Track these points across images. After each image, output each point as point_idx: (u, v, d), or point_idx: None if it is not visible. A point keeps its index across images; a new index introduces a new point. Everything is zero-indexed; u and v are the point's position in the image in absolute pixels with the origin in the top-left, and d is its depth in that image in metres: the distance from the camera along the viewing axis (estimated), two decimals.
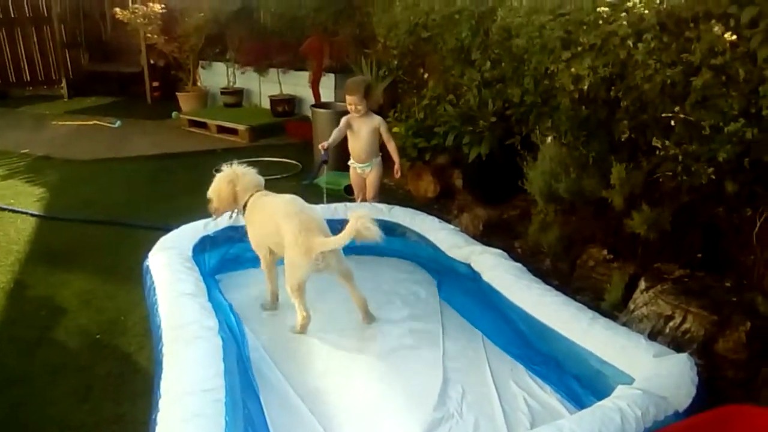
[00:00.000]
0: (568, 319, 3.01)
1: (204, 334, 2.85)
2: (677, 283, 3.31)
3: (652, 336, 3.13)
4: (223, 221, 4.17)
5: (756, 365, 2.89)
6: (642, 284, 3.38)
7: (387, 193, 5.74)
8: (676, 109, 3.18)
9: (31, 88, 11.84)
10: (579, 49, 3.74)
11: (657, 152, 3.37)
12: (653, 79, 3.32)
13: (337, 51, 8.14)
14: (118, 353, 3.36)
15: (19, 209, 5.47)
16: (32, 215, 5.36)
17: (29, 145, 7.76)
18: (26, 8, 11.64)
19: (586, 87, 3.65)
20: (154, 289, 3.35)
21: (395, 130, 5.72)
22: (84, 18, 11.84)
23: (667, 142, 3.26)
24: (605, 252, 3.85)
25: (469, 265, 3.78)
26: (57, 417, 2.87)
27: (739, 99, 2.94)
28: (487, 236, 4.62)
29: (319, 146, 4.77)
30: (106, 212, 5.43)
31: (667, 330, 3.12)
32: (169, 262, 3.60)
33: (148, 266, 3.63)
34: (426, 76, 6.32)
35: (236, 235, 4.18)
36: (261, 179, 3.74)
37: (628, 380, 2.61)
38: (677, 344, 3.03)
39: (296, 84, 8.49)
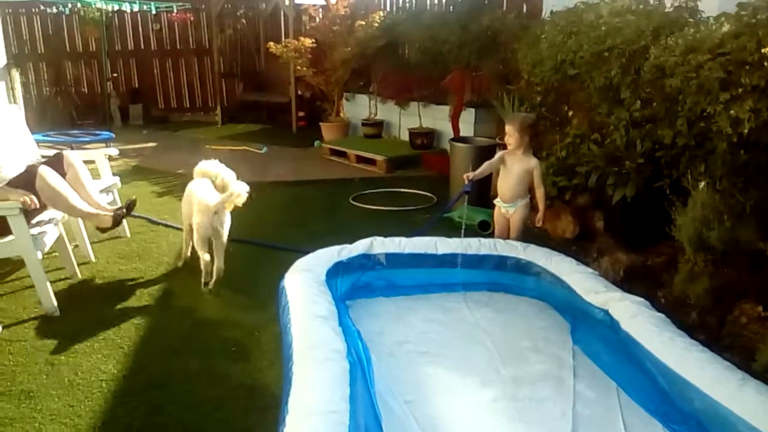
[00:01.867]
0: (715, 378, 2.78)
1: (333, 357, 2.89)
2: None
3: None
4: (357, 248, 4.27)
5: None
6: None
7: (523, 232, 5.63)
8: None
9: (189, 113, 12.80)
10: (740, 90, 3.50)
11: None
12: None
13: (478, 86, 8.17)
14: (250, 367, 3.47)
15: (172, 224, 5.86)
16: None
17: (185, 166, 8.27)
18: (190, 41, 12.66)
19: (746, 131, 3.41)
20: (288, 309, 3.45)
21: None
22: (241, 51, 12.73)
23: None
24: (760, 309, 3.55)
25: (607, 312, 3.59)
26: (191, 423, 3.00)
27: None
28: (627, 283, 4.39)
29: (464, 176, 4.71)
30: (247, 232, 5.67)
31: None
32: (303, 284, 3.71)
33: (283, 286, 3.75)
34: (570, 113, 6.17)
35: (368, 262, 4.25)
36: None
37: None
38: None
39: (435, 118, 8.58)
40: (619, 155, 4.53)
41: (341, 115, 10.29)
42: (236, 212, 5.91)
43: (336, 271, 4.11)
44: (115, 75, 12.42)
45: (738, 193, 3.57)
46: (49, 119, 11.56)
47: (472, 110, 7.87)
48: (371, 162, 8.29)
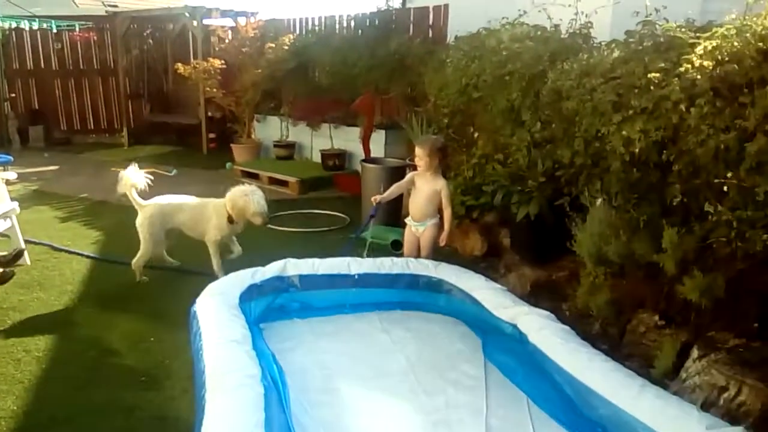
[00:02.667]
0: (617, 386, 2.93)
1: (247, 383, 2.86)
2: (732, 353, 3.20)
3: (705, 407, 3.00)
4: (270, 271, 4.25)
5: None
6: (695, 353, 3.28)
7: (434, 250, 5.74)
8: (729, 174, 3.12)
9: (93, 135, 12.36)
10: (630, 112, 3.73)
11: (710, 217, 3.30)
12: (706, 143, 3.28)
13: (388, 108, 8.31)
14: (162, 397, 3.39)
15: (75, 250, 5.64)
16: (87, 257, 5.52)
17: (88, 190, 8.06)
18: (95, 61, 12.25)
19: (637, 150, 3.63)
20: (200, 334, 3.39)
21: None
22: (147, 71, 12.41)
23: (720, 208, 3.19)
24: (657, 318, 3.75)
25: (515, 326, 3.72)
26: None
27: None
28: (534, 297, 4.56)
29: (372, 199, 4.82)
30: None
31: (721, 402, 3.01)
32: (216, 309, 3.65)
33: (195, 311, 3.68)
34: (476, 135, 6.36)
35: (282, 285, 4.23)
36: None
37: None
38: (732, 417, 2.92)
39: (347, 139, 8.66)
40: (522, 174, 4.72)
41: (252, 136, 10.21)
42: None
43: (249, 294, 4.06)
44: (13, 95, 11.82)
45: (632, 208, 3.78)
46: None
47: (383, 132, 7.99)
48: (284, 183, 8.26)
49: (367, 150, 7.79)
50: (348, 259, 4.42)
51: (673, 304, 3.69)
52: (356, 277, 4.32)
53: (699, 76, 3.34)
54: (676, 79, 3.45)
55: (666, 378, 3.41)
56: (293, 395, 3.28)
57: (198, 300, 3.81)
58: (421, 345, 3.89)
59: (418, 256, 4.86)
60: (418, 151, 4.73)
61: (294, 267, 4.30)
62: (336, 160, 8.51)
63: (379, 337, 3.99)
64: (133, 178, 5.03)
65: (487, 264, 5.37)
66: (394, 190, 4.87)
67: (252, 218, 4.98)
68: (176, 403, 3.32)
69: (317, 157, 8.88)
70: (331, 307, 4.29)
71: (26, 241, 5.71)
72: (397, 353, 3.78)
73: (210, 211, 5.07)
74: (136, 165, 5.17)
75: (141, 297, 4.66)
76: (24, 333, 4.11)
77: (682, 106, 3.42)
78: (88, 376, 3.59)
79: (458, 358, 3.75)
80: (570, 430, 3.04)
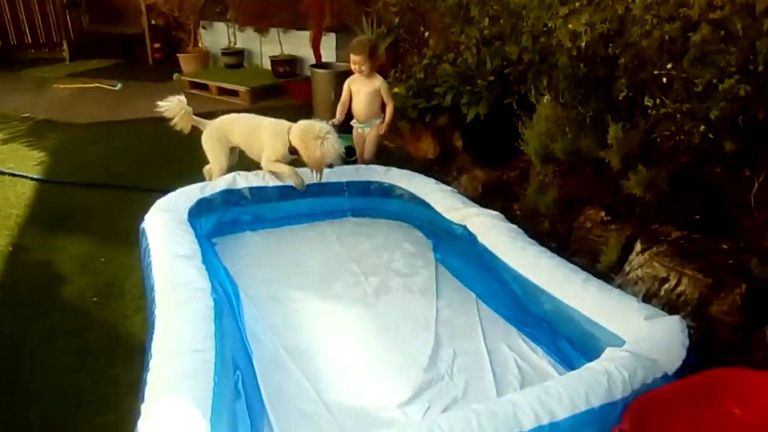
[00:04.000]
0: (561, 281, 3.00)
1: (197, 296, 2.84)
2: (673, 245, 3.28)
3: (647, 298, 3.11)
4: (219, 184, 4.18)
5: (751, 328, 2.88)
6: (638, 246, 3.35)
7: (387, 155, 5.69)
8: (669, 66, 3.10)
9: (33, 51, 11.72)
10: (577, 4, 3.65)
11: (651, 111, 3.29)
12: (651, 35, 3.24)
13: (338, 9, 8.00)
14: (114, 316, 3.38)
15: (19, 173, 5.46)
16: (32, 179, 5.36)
17: (31, 109, 7.73)
18: None
19: (583, 44, 3.57)
20: (149, 251, 3.35)
21: (395, 90, 5.64)
22: None
23: (659, 101, 3.18)
24: (603, 214, 3.81)
25: (465, 227, 3.75)
26: (52, 380, 2.91)
27: (738, 55, 2.87)
28: (486, 198, 4.59)
29: (329, 122, 4.72)
30: (106, 175, 5.41)
31: (662, 292, 3.10)
32: (164, 225, 3.59)
33: (143, 229, 3.63)
34: (426, 34, 6.20)
35: (233, 198, 4.18)
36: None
37: (619, 342, 2.59)
38: (672, 307, 3.02)
39: (297, 44, 8.37)
40: (471, 74, 4.63)
41: (200, 45, 9.80)
42: (90, 155, 5.64)
43: (199, 209, 4.01)
44: None
45: (579, 105, 3.75)
46: None
47: (333, 35, 7.74)
48: (234, 93, 8.03)
49: (317, 55, 7.56)
50: (298, 169, 4.34)
51: (619, 199, 3.74)
52: (307, 187, 4.28)
53: None
54: None
55: (612, 272, 3.50)
56: (246, 306, 3.31)
57: (146, 217, 3.75)
58: (372, 250, 3.93)
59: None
60: (353, 57, 4.63)
61: (244, 179, 4.23)
62: (287, 66, 8.26)
63: (331, 245, 4.01)
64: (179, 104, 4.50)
65: (440, 167, 5.35)
66: (340, 109, 4.82)
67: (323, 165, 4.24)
68: (129, 322, 3.32)
69: (268, 64, 8.61)
70: (283, 219, 4.27)
71: None
72: (348, 259, 3.81)
73: (261, 131, 4.35)
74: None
75: (90, 218, 4.57)
76: None
77: None
78: (38, 300, 3.54)
79: (409, 262, 3.79)
80: (517, 326, 3.14)
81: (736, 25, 2.86)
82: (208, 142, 4.41)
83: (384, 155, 5.54)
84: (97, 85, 9.04)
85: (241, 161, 4.54)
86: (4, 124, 7.16)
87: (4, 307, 3.51)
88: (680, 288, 3.05)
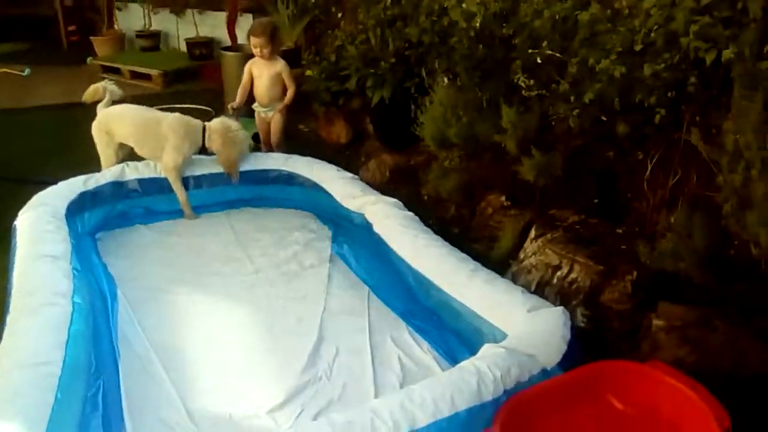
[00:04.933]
0: (448, 271, 2.89)
1: (53, 301, 2.62)
2: (568, 231, 3.20)
3: (541, 287, 3.03)
4: (105, 177, 3.93)
5: (642, 316, 2.81)
6: (532, 233, 3.26)
7: (299, 139, 5.51)
8: (544, 44, 3.01)
9: None
10: None
11: (544, 93, 3.18)
12: (542, 15, 3.13)
13: None
14: None
15: None
16: None
17: None
18: None
19: (478, 24, 3.44)
20: (15, 251, 3.11)
21: (308, 73, 5.45)
22: None
23: (554, 85, 3.08)
24: (503, 199, 3.71)
25: (363, 216, 3.61)
26: None
27: (624, 35, 2.78)
28: (393, 183, 4.46)
29: (228, 107, 4.54)
30: (5, 167, 5.06)
31: (555, 280, 3.02)
32: (35, 222, 3.35)
33: (14, 226, 3.38)
34: (339, 15, 6.00)
35: (120, 190, 3.93)
36: None
37: (502, 337, 2.50)
38: (564, 295, 2.94)
39: (214, 26, 8.04)
40: (374, 56, 4.47)
41: (115, 27, 9.38)
42: None
43: (82, 203, 3.76)
44: None
45: (476, 87, 3.63)
46: None
47: (250, 16, 7.44)
48: (147, 77, 7.69)
49: (233, 36, 7.26)
50: (194, 157, 4.12)
51: (519, 184, 3.64)
52: (202, 177, 4.07)
53: None
54: None
55: (510, 258, 3.41)
56: (122, 305, 3.10)
57: (20, 213, 3.49)
58: (266, 242, 3.76)
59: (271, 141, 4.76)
60: (253, 40, 4.51)
61: (133, 170, 3.99)
62: (202, 49, 7.94)
63: (224, 236, 3.83)
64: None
65: (351, 152, 5.20)
66: (241, 92, 4.69)
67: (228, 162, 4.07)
68: None
69: (184, 47, 8.28)
70: (178, 211, 4.04)
71: None
72: (239, 251, 3.65)
73: (165, 128, 3.98)
74: None
75: None
76: None
77: None
78: None
79: (304, 254, 3.64)
80: (406, 319, 3.01)
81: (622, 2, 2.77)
82: (96, 134, 4.14)
83: (296, 139, 5.37)
84: (4, 70, 8.54)
85: None
86: None
87: None
88: (572, 275, 2.97)
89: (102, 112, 4.17)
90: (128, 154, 4.20)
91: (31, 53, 9.78)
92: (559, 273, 3.02)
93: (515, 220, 3.50)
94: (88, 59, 8.75)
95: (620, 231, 3.21)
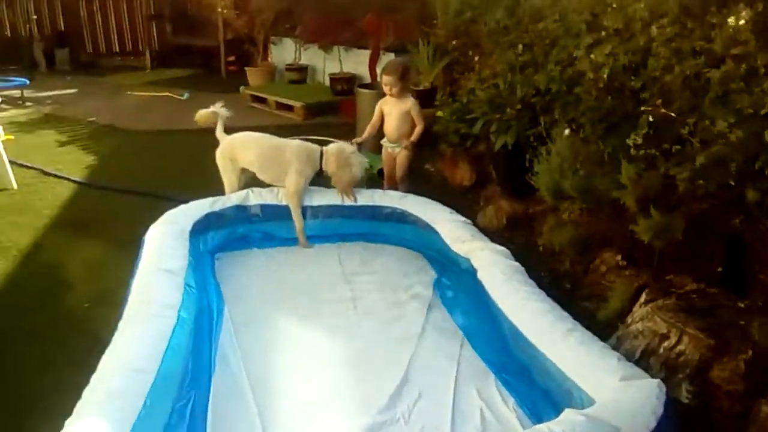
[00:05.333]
0: (544, 328, 2.76)
1: (161, 313, 2.80)
2: (682, 299, 2.98)
3: (646, 355, 2.84)
4: (231, 200, 4.16)
5: (752, 399, 2.55)
6: (643, 297, 3.07)
7: (424, 178, 5.57)
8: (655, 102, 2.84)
9: (119, 58, 12.31)
10: (603, 34, 3.42)
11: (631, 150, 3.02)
12: (673, 70, 2.98)
13: (401, 29, 7.93)
14: (97, 325, 3.33)
15: (62, 175, 5.66)
16: (72, 181, 5.53)
17: (98, 114, 8.07)
18: None
19: (605, 75, 3.33)
20: (138, 263, 3.36)
21: (438, 113, 5.52)
22: None
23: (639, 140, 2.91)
24: (619, 258, 3.53)
25: (469, 261, 3.56)
26: (17, 383, 2.94)
27: (758, 95, 2.58)
28: (509, 231, 4.39)
29: (352, 141, 4.68)
30: (146, 183, 5.49)
31: (661, 350, 2.81)
32: (161, 237, 3.60)
33: (143, 240, 3.64)
34: (476, 59, 6.03)
35: (243, 214, 4.14)
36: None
37: (590, 402, 2.36)
38: (670, 367, 2.73)
39: (357, 62, 8.37)
40: (500, 102, 4.44)
41: (269, 59, 10.00)
42: (133, 161, 5.74)
43: (207, 223, 4.00)
44: (35, 17, 11.78)
45: (599, 140, 3.50)
46: None
47: (392, 55, 7.66)
48: (290, 108, 8.09)
49: (373, 74, 7.50)
50: (313, 188, 4.27)
51: (638, 244, 3.45)
52: (318, 208, 4.20)
53: None
54: None
55: (619, 321, 3.22)
56: (226, 325, 3.25)
57: (151, 227, 3.77)
58: (372, 277, 3.80)
59: (395, 177, 4.82)
60: (385, 78, 4.63)
61: (257, 196, 4.20)
62: (344, 84, 8.26)
63: (332, 269, 3.91)
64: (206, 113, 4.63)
65: (473, 195, 5.17)
66: (369, 130, 4.86)
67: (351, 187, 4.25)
68: (109, 332, 3.29)
69: (328, 81, 8.65)
70: (293, 239, 4.19)
71: (18, 165, 5.79)
72: (343, 284, 3.70)
73: (288, 155, 4.19)
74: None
75: (113, 224, 4.66)
76: None
77: (655, 28, 3.11)
78: (34, 304, 3.60)
79: (406, 292, 3.65)
80: (496, 371, 2.92)
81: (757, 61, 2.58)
82: (220, 160, 4.38)
83: (421, 178, 5.42)
84: (166, 94, 9.34)
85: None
86: (69, 126, 7.50)
87: (4, 306, 3.59)
88: (680, 347, 2.76)
89: (226, 139, 4.42)
90: (250, 179, 4.42)
91: (193, 79, 10.64)
92: (666, 343, 2.81)
93: (628, 282, 3.31)
94: (241, 88, 9.36)
95: (742, 305, 2.95)
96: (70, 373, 2.93)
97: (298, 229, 4.15)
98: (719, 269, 3.21)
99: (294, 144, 4.27)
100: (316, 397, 2.75)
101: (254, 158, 4.26)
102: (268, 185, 4.28)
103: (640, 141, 2.96)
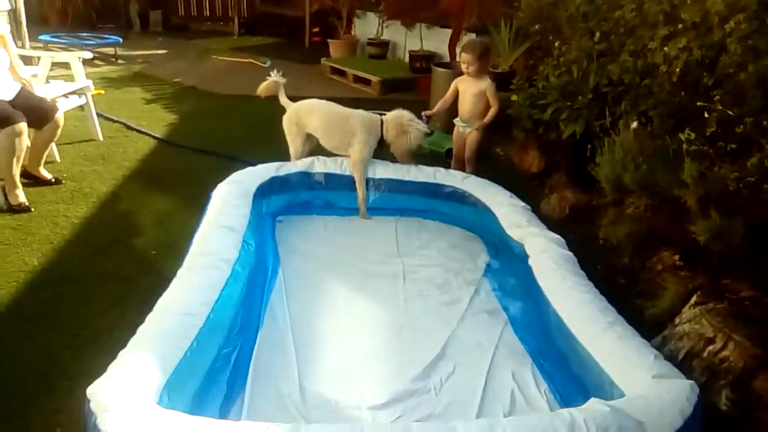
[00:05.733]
0: (586, 319, 2.75)
1: (217, 265, 2.95)
2: (734, 304, 2.91)
3: (689, 357, 2.79)
4: (297, 166, 4.29)
5: None
6: (693, 298, 3.01)
7: (492, 162, 5.55)
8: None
9: (209, 23, 12.68)
10: (680, 26, 3.33)
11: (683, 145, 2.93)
12: (747, 68, 2.89)
13: (484, 10, 7.86)
14: (162, 271, 3.54)
15: (145, 131, 5.94)
16: (153, 137, 5.80)
17: (183, 76, 8.37)
18: None
19: (677, 69, 3.26)
20: (203, 218, 3.53)
21: (513, 98, 5.47)
22: None
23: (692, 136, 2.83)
24: (677, 258, 3.46)
25: (522, 246, 3.57)
26: (86, 317, 3.15)
27: None
28: (571, 221, 4.36)
29: (422, 113, 4.73)
30: (221, 144, 5.69)
31: (705, 354, 2.76)
32: (226, 195, 3.76)
33: (210, 196, 3.81)
34: (556, 44, 5.93)
35: (307, 181, 4.27)
36: None
37: (620, 396, 2.36)
38: (713, 372, 2.68)
39: (439, 41, 8.35)
40: (572, 89, 4.38)
41: (352, 32, 10.09)
42: (211, 122, 5.91)
43: (271, 186, 4.15)
44: None
45: (666, 135, 3.42)
46: (71, 20, 11.68)
47: (473, 35, 7.61)
48: (367, 83, 8.17)
49: (452, 53, 7.50)
50: (376, 161, 4.35)
51: (697, 245, 3.37)
52: (381, 180, 4.28)
53: None
54: None
55: (669, 321, 3.17)
56: (278, 284, 3.38)
57: (218, 186, 3.93)
58: (425, 254, 3.85)
59: (464, 157, 4.84)
60: (463, 56, 4.62)
61: (321, 165, 4.32)
62: (423, 62, 8.25)
63: (387, 242, 3.98)
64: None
65: (539, 183, 5.12)
66: (440, 105, 4.88)
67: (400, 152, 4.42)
68: (171, 278, 3.49)
69: (408, 58, 8.67)
70: (353, 209, 4.29)
71: (105, 118, 6.11)
72: (396, 258, 3.77)
73: (352, 123, 4.33)
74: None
75: (185, 180, 4.87)
76: (73, 200, 4.43)
77: (732, 23, 3.01)
78: (107, 246, 3.84)
79: (457, 271, 3.68)
80: (534, 357, 2.94)
81: None
82: (286, 124, 4.53)
83: (489, 161, 5.41)
84: (250, 60, 9.59)
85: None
86: (155, 86, 7.82)
87: (79, 247, 3.84)
88: (724, 353, 2.70)
89: (293, 105, 4.57)
90: (315, 147, 4.56)
91: (278, 48, 10.87)
92: (711, 347, 2.75)
93: (683, 282, 3.25)
94: (323, 60, 9.50)
95: None
96: (134, 311, 3.13)
97: (360, 198, 4.24)
98: None
99: (358, 114, 4.39)
100: (354, 361, 2.84)
101: (319, 124, 4.38)
102: (333, 155, 4.38)
103: (693, 136, 2.86)
